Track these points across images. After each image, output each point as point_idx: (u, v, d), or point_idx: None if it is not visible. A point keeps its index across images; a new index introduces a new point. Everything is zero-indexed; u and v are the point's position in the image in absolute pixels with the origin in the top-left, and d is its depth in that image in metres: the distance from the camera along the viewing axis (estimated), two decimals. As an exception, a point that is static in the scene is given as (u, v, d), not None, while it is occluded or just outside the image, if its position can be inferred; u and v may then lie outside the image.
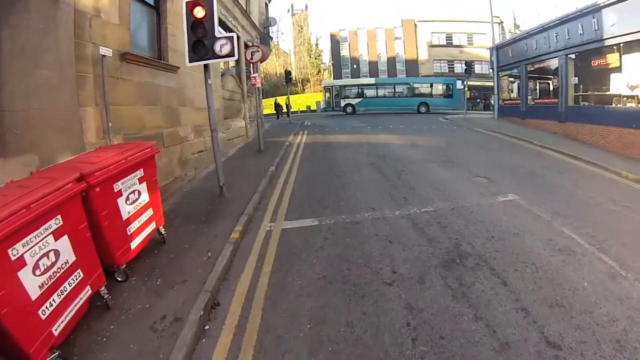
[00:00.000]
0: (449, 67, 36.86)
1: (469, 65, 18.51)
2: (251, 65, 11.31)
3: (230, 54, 5.62)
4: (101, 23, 4.86)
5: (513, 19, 37.27)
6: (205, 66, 5.88)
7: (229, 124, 11.41)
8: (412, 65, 37.80)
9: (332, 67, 42.67)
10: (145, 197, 4.00)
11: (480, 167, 8.27)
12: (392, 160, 9.16)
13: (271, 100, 32.40)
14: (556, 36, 13.32)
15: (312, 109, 38.69)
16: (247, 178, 7.54)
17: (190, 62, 5.74)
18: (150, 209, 4.13)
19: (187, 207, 5.89)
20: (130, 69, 5.54)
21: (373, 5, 73.80)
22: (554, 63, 13.80)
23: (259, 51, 10.14)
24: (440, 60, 36.63)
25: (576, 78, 12.83)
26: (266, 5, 18.79)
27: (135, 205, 3.82)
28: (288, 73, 22.27)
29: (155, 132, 6.19)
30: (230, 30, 12.74)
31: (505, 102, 17.77)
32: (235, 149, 11.22)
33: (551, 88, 14.26)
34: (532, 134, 13.50)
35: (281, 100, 29.50)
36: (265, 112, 28.62)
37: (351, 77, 40.20)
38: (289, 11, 57.21)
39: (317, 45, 54.97)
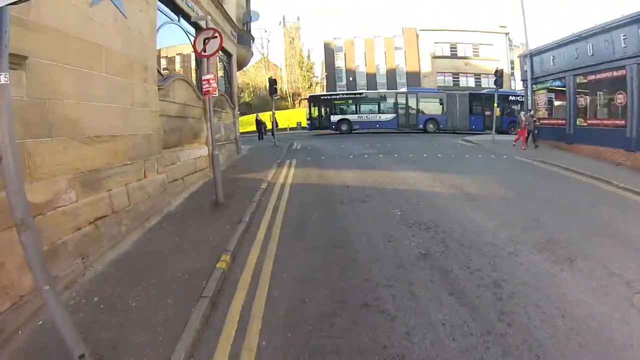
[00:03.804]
0: (453, 81, 33.68)
1: (499, 75, 14.96)
2: (205, 61, 7.60)
3: None
4: None
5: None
6: None
7: (175, 157, 7.52)
8: (413, 78, 34.40)
9: (325, 79, 39.19)
10: None
11: (616, 261, 4.21)
12: (459, 245, 4.72)
13: (253, 116, 28.61)
14: (624, 39, 9.98)
15: (302, 125, 35.46)
16: (166, 300, 3.32)
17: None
18: None
19: None
20: None
21: (371, 13, 71.18)
22: (619, 74, 10.43)
23: (216, 37, 6.43)
24: (445, 72, 33.32)
25: (657, 93, 9.48)
26: (247, -3, 14.97)
27: None
28: (273, 82, 17.86)
29: None
30: (185, 15, 8.99)
31: (541, 121, 14.28)
32: (181, 198, 7.08)
33: (615, 106, 10.84)
34: (593, 166, 10.10)
35: (264, 116, 25.72)
36: (245, 129, 24.90)
37: (347, 91, 36.85)
38: (280, 23, 54.29)
39: (308, 57, 51.76)
